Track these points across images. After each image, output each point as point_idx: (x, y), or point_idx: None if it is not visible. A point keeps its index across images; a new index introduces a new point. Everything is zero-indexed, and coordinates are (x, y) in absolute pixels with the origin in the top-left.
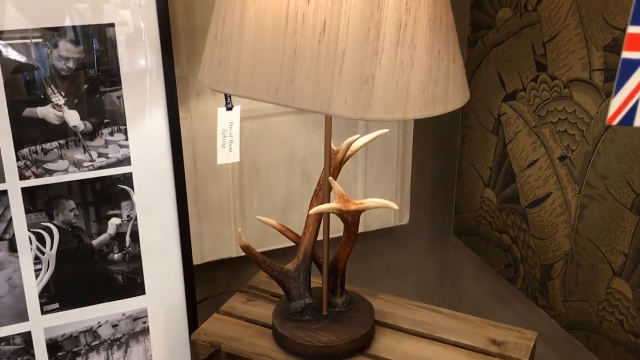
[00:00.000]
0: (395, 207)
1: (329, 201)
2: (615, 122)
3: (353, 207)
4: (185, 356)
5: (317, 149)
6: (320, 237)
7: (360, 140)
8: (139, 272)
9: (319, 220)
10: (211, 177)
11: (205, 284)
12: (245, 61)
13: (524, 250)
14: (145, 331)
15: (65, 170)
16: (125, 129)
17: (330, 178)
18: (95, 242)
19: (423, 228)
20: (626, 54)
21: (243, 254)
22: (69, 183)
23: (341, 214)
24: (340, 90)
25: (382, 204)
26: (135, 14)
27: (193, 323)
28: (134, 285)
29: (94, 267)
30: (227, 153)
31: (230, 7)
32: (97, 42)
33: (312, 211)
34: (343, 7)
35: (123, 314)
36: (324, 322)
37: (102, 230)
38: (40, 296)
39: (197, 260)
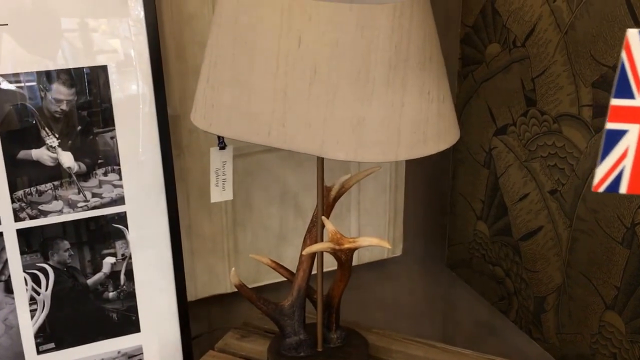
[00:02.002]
0: (389, 246)
1: (322, 239)
2: (601, 189)
3: (346, 246)
4: None
5: (310, 184)
6: (314, 272)
7: (353, 178)
8: (133, 310)
9: (313, 256)
10: (204, 214)
11: (199, 320)
12: (237, 103)
13: (517, 283)
14: None
15: (60, 211)
16: (119, 169)
17: (323, 217)
18: (90, 281)
19: (416, 260)
20: (610, 125)
21: (235, 291)
22: (63, 224)
23: (334, 252)
24: (332, 132)
25: (375, 242)
26: (128, 56)
27: (188, 355)
28: (128, 323)
29: (89, 306)
30: (220, 191)
31: (222, 50)
32: (90, 83)
33: (305, 252)
34: (333, 50)
35: (118, 352)
36: (319, 358)
37: (97, 269)
38: (36, 336)
39: (191, 296)
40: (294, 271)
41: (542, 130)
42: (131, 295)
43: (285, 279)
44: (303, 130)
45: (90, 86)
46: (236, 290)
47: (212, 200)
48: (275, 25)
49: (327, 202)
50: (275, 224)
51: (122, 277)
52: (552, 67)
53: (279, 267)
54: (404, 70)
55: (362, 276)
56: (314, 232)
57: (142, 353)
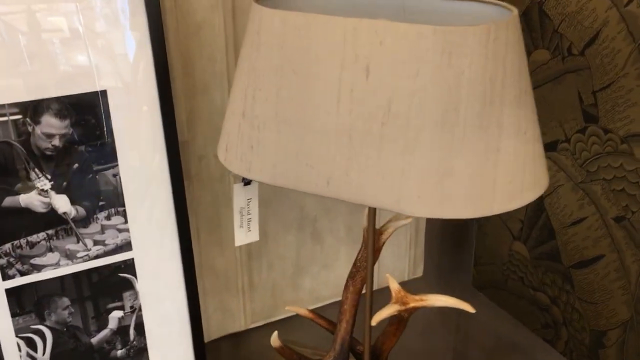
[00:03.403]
0: (472, 309)
1: (372, 290)
2: None
3: (412, 305)
4: None
5: (329, 207)
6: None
7: (406, 220)
8: None
9: (356, 305)
10: (216, 248)
11: None
12: (285, 146)
13: (567, 313)
14: None
15: (56, 264)
16: (124, 211)
17: (388, 275)
18: (94, 340)
19: (438, 280)
20: None
21: (252, 326)
22: (61, 278)
23: (399, 313)
24: (411, 184)
25: (452, 303)
26: (129, 77)
27: None
28: None
29: None
30: (245, 233)
31: (263, 79)
32: (87, 113)
33: (374, 321)
34: (412, 84)
35: None
36: None
37: (103, 325)
38: None
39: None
40: (335, 321)
41: (606, 150)
42: (142, 351)
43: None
44: (374, 181)
45: (87, 116)
46: (251, 327)
47: (237, 244)
48: (336, 51)
49: (377, 247)
50: (292, 253)
51: (132, 332)
52: (622, 81)
53: (318, 318)
54: (500, 107)
55: (381, 300)
56: (359, 278)
57: None
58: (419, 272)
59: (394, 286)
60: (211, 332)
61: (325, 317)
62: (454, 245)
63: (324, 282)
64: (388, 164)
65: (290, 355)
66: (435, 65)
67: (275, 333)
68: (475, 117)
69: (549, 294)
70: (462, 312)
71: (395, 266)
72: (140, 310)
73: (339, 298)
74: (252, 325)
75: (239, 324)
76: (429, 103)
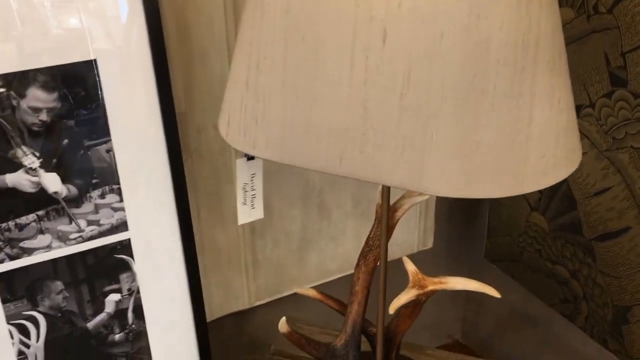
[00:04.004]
0: (497, 294)
1: (386, 271)
2: None
3: (431, 288)
4: None
5: (335, 180)
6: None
7: (422, 196)
8: (145, 351)
9: (368, 286)
10: (218, 225)
11: (217, 343)
12: (293, 120)
13: (588, 287)
14: None
15: (48, 247)
16: (119, 189)
17: (404, 258)
18: (91, 324)
19: (449, 252)
20: None
21: (257, 304)
22: (53, 261)
23: (416, 297)
24: (434, 161)
25: (474, 286)
26: (121, 45)
27: None
28: None
29: (92, 353)
30: (249, 210)
31: (267, 47)
32: (76, 84)
33: (392, 309)
34: (435, 48)
35: None
36: None
37: (99, 309)
38: None
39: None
40: (346, 302)
41: (635, 115)
42: (142, 335)
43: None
44: (391, 157)
45: (76, 88)
46: (255, 305)
47: (240, 222)
48: (348, 14)
49: (391, 224)
50: (298, 228)
51: (130, 315)
52: None
53: (328, 299)
54: (533, 73)
55: (390, 275)
56: (371, 257)
57: None
58: (429, 244)
59: (411, 269)
60: (213, 311)
61: (335, 298)
62: (465, 216)
63: (331, 256)
64: (408, 139)
65: (299, 340)
66: (462, 28)
67: (283, 319)
68: (505, 86)
69: (568, 267)
70: (471, 278)
71: (405, 238)
72: (138, 292)
73: (347, 272)
74: (257, 303)
75: (243, 302)
76: (453, 70)
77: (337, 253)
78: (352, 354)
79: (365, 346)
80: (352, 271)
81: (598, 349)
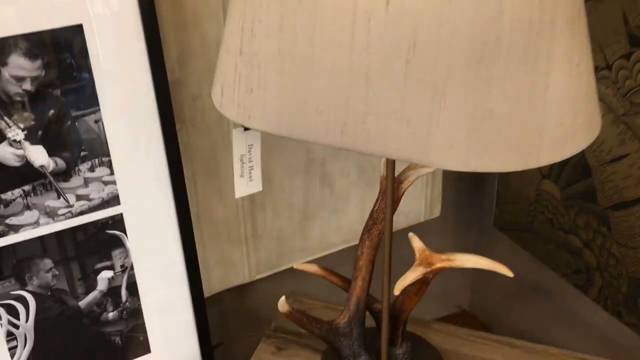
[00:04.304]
0: (510, 273)
1: (391, 245)
2: None
3: (438, 265)
4: None
5: None
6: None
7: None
8: (141, 329)
9: (372, 261)
10: (215, 197)
11: (216, 319)
12: (291, 89)
13: (602, 258)
14: None
15: (36, 223)
16: (110, 161)
17: (410, 234)
18: (83, 303)
19: (457, 221)
20: None
21: (257, 278)
22: (41, 238)
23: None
24: (442, 132)
25: (485, 264)
26: (109, 8)
27: None
28: (136, 345)
29: (85, 332)
30: (247, 183)
31: (262, 10)
32: (61, 51)
33: (397, 289)
34: (443, 11)
35: None
36: None
37: (91, 287)
38: None
39: (204, 293)
40: (350, 279)
41: None
42: (137, 313)
43: (312, 259)
44: (396, 129)
45: (62, 55)
46: (256, 279)
47: (238, 195)
48: None
49: (396, 197)
50: (299, 199)
51: (124, 292)
52: None
53: (330, 275)
54: (550, 36)
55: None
56: (375, 232)
57: None
58: (436, 213)
59: (418, 245)
60: (212, 286)
61: (338, 273)
62: (474, 183)
63: (334, 228)
64: (414, 109)
65: (300, 319)
66: None
67: (283, 299)
68: (519, 49)
69: (581, 237)
70: (479, 250)
71: (411, 207)
72: (132, 269)
73: (351, 244)
74: (258, 277)
75: (243, 276)
76: (463, 34)
77: (340, 224)
78: (356, 332)
79: (370, 321)
80: (357, 243)
81: (612, 322)
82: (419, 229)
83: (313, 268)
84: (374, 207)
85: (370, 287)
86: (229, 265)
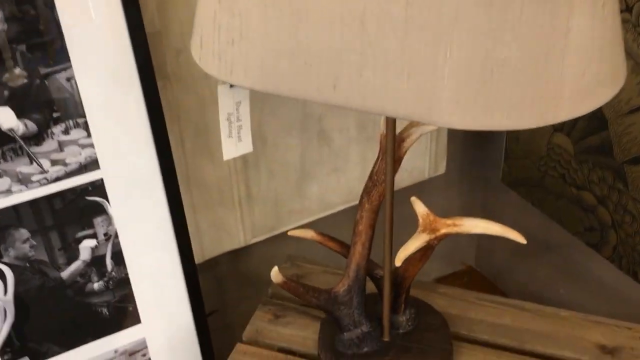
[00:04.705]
0: (522, 240)
1: (392, 208)
2: None
3: (444, 231)
4: None
5: None
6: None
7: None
8: (129, 299)
9: (373, 225)
10: (205, 157)
11: (211, 285)
12: (276, 39)
13: (618, 215)
14: None
15: (7, 191)
16: (86, 122)
17: (413, 198)
18: (65, 274)
19: (463, 177)
20: None
21: (253, 242)
22: (15, 207)
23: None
24: (448, 85)
25: (496, 230)
26: None
27: (205, 344)
28: (124, 316)
29: (69, 304)
30: (236, 144)
31: None
32: (23, 2)
33: (398, 259)
34: None
35: (115, 351)
36: (390, 354)
37: (73, 257)
38: (2, 353)
39: (197, 258)
40: (349, 244)
41: None
42: (124, 282)
43: (310, 221)
44: (395, 83)
45: (24, 6)
46: (251, 243)
47: (226, 157)
48: None
49: (397, 157)
50: (296, 158)
51: (109, 262)
52: None
53: (328, 241)
54: None
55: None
56: (375, 195)
57: (146, 347)
58: (441, 170)
59: (421, 210)
60: (206, 252)
61: (336, 239)
62: (481, 138)
63: (333, 187)
64: (415, 59)
65: (296, 289)
66: None
67: (276, 269)
68: None
69: (595, 193)
70: (486, 208)
71: (414, 164)
72: (116, 237)
73: (352, 204)
74: (253, 241)
75: (238, 241)
76: None
77: (340, 184)
78: (356, 300)
79: (370, 286)
80: (357, 202)
81: (626, 281)
82: (423, 187)
83: (309, 234)
84: (374, 167)
85: (370, 252)
86: (223, 230)
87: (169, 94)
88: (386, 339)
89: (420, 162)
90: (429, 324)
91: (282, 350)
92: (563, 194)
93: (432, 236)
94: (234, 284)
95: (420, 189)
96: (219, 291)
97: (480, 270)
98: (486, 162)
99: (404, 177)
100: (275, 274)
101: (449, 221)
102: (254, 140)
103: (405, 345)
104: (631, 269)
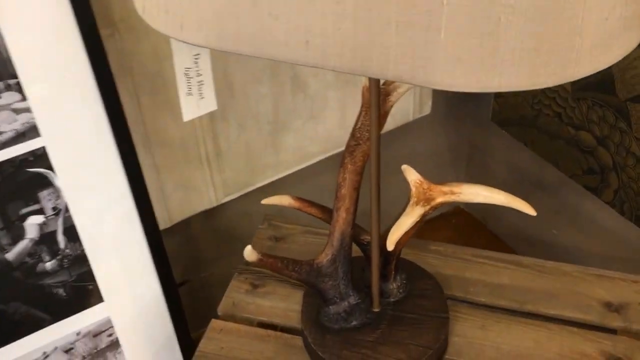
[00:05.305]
0: (532, 212)
1: (379, 168)
2: None
3: (440, 200)
4: (175, 355)
5: None
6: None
7: None
8: (88, 277)
9: (357, 188)
10: (165, 113)
11: (181, 252)
12: None
13: (620, 157)
14: (114, 345)
15: None
16: (19, 84)
17: (405, 166)
18: (11, 255)
19: (450, 117)
20: None
21: (226, 200)
22: None
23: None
24: (446, 38)
25: (501, 199)
26: None
27: (178, 317)
28: (85, 296)
29: (20, 287)
30: (197, 102)
31: None
32: None
33: (390, 242)
34: None
35: (77, 334)
36: (381, 326)
37: (18, 236)
38: None
39: (164, 223)
40: (331, 210)
41: None
42: (80, 259)
43: (289, 174)
44: (381, 36)
45: None
46: (223, 202)
47: (186, 118)
48: None
49: (383, 112)
50: (268, 107)
51: (61, 238)
52: None
53: (308, 207)
54: None
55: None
56: (358, 155)
57: (111, 326)
58: (427, 110)
59: (413, 178)
60: (173, 215)
61: (317, 203)
62: None
63: (310, 137)
64: (405, 6)
65: (274, 265)
66: None
67: (249, 248)
68: None
69: (595, 134)
70: (475, 149)
71: (398, 105)
72: (67, 210)
73: (330, 153)
74: (226, 199)
75: (209, 200)
76: None
77: (317, 132)
78: (342, 270)
79: (355, 249)
80: (337, 151)
81: (628, 227)
82: (408, 129)
83: (285, 200)
84: (356, 124)
85: (355, 218)
86: (191, 190)
87: (117, 43)
88: (376, 309)
89: (404, 103)
90: (422, 290)
91: (262, 324)
92: (559, 134)
93: (427, 207)
94: (207, 249)
95: (404, 131)
96: (190, 259)
97: (469, 211)
98: (474, 101)
99: (388, 120)
100: (249, 253)
101: (445, 188)
102: (220, 90)
103: (398, 315)
104: (633, 214)
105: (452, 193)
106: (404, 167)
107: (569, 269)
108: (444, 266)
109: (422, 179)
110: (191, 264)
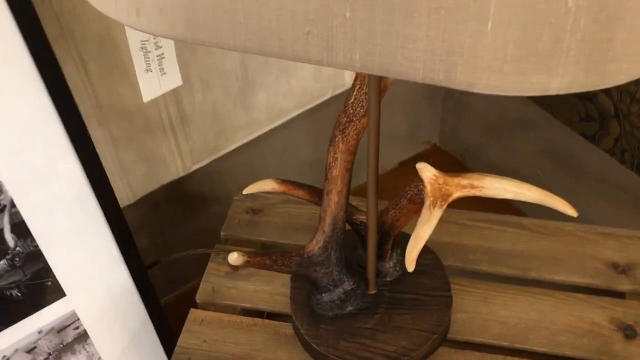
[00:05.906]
0: (574, 213)
1: (377, 150)
2: None
3: (457, 196)
4: (152, 339)
5: None
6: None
7: None
8: (45, 273)
9: (350, 169)
10: (119, 79)
11: (147, 231)
12: None
13: (623, 104)
14: (81, 337)
15: None
16: None
17: (420, 164)
18: None
19: None
20: None
21: (195, 168)
22: None
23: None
24: (493, 29)
25: (533, 196)
26: None
27: (150, 301)
28: (44, 293)
29: None
30: (158, 78)
31: None
32: None
33: (409, 262)
34: None
35: (39, 332)
36: (379, 311)
37: None
38: None
39: (126, 199)
40: (321, 192)
41: None
42: (34, 256)
43: (262, 134)
44: (405, 25)
45: None
46: (191, 171)
47: (147, 99)
48: None
49: (384, 86)
50: (235, 63)
51: (9, 237)
52: None
53: (294, 189)
54: None
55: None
56: (351, 132)
57: (77, 319)
58: None
59: (429, 175)
60: (136, 190)
61: (306, 185)
62: None
63: (284, 92)
64: None
65: (262, 263)
66: None
67: (234, 254)
68: None
69: None
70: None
71: None
72: (13, 205)
73: (306, 107)
74: (195, 167)
75: (176, 170)
76: None
77: (291, 86)
78: (335, 257)
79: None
80: (314, 104)
81: (629, 176)
82: None
83: (270, 185)
84: (348, 98)
85: (348, 200)
86: (155, 161)
87: (54, 2)
88: (372, 291)
89: None
90: (420, 265)
91: (246, 311)
92: None
93: (444, 204)
94: (178, 226)
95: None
96: (160, 237)
97: (445, 148)
98: None
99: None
100: (235, 259)
101: (464, 181)
102: (180, 48)
103: (396, 297)
104: (635, 163)
105: (473, 187)
106: (419, 165)
107: (572, 229)
108: (440, 234)
109: (437, 174)
110: (164, 244)
